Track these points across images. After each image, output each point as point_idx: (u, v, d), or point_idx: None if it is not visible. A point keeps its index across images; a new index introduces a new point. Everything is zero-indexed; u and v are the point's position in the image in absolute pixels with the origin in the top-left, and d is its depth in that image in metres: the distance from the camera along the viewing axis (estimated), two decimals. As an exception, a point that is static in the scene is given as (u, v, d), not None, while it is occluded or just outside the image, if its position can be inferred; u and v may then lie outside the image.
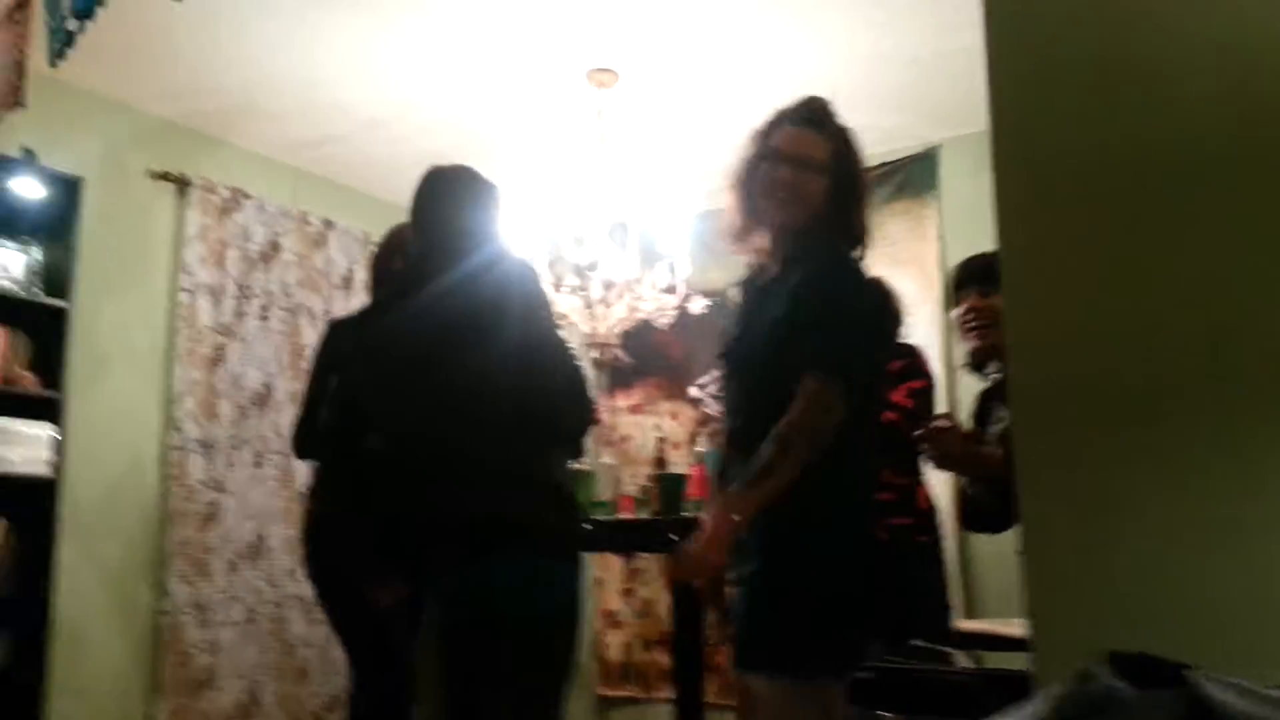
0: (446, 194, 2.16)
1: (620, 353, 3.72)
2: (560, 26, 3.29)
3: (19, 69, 2.32)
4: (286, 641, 4.00)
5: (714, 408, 2.37)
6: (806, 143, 1.90)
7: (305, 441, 2.77)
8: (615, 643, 4.52)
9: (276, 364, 4.11)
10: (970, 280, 2.27)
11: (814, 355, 1.76)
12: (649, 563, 4.41)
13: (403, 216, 2.23)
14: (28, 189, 3.36)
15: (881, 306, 1.92)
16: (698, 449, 3.46)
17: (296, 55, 3.49)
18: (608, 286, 3.49)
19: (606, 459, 3.71)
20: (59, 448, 3.28)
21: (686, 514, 2.86)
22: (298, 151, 4.27)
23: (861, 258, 1.93)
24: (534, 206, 3.47)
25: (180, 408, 3.80)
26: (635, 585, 4.52)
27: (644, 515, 3.11)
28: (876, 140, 2.04)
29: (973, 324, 2.23)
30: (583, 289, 3.47)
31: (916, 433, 2.18)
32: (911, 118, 3.72)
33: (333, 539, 2.04)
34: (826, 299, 1.81)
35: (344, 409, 2.15)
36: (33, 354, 3.32)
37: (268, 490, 4.02)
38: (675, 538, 2.29)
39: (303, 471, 3.99)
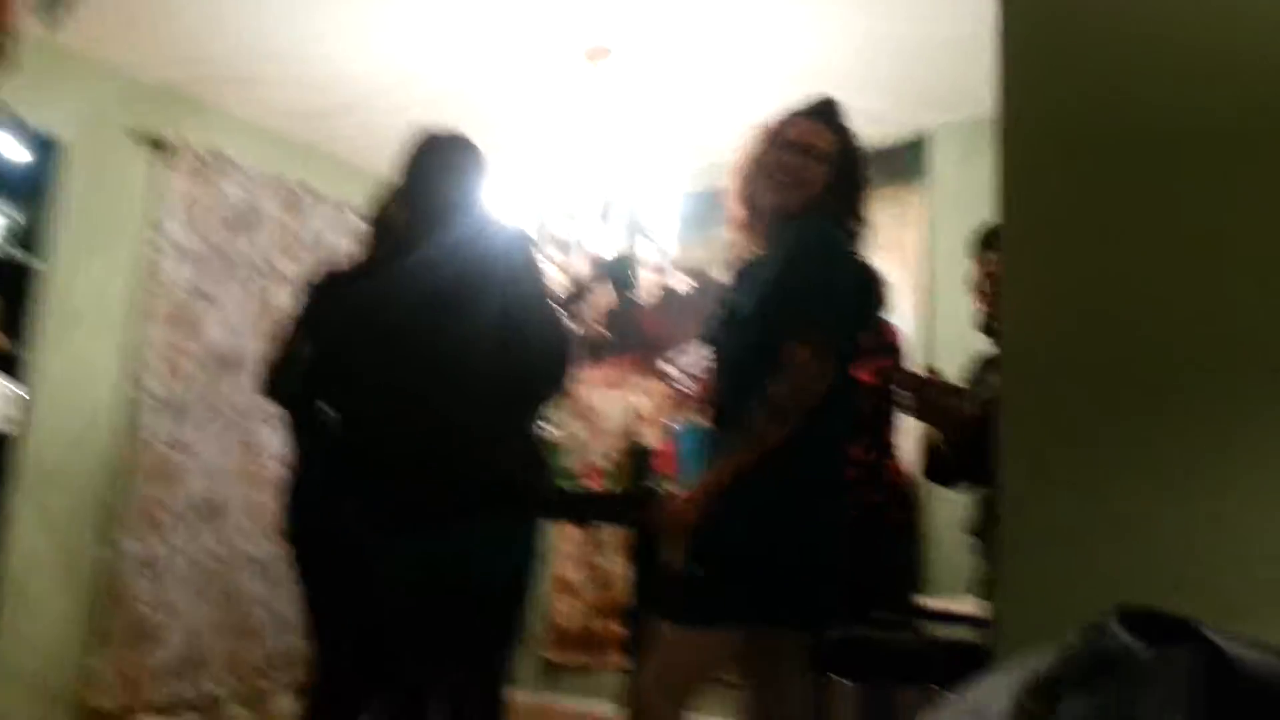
0: (438, 162, 2.15)
1: (600, 328, 3.71)
2: (556, 1, 3.26)
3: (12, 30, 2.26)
4: (236, 600, 3.98)
5: (685, 383, 2.38)
6: (812, 132, 1.94)
7: (278, 381, 2.69)
8: (569, 610, 4.51)
9: (249, 329, 4.07)
10: (994, 244, 2.25)
11: (803, 324, 1.78)
12: (610, 535, 4.40)
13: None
14: (9, 149, 3.30)
15: (865, 283, 1.94)
16: (668, 424, 3.46)
17: (290, 24, 3.43)
18: (593, 261, 3.48)
19: (576, 430, 3.70)
20: (26, 406, 3.23)
21: (651, 485, 2.88)
22: (283, 120, 4.20)
23: (853, 240, 1.95)
24: (525, 181, 3.45)
25: (147, 367, 3.75)
26: (594, 556, 4.52)
27: (610, 487, 3.11)
28: (865, 124, 2.06)
29: (991, 290, 2.21)
30: (567, 263, 3.46)
31: (898, 377, 2.20)
32: (903, 102, 3.71)
33: (316, 499, 2.03)
34: (814, 270, 1.83)
35: (324, 362, 2.13)
36: (5, 312, 3.27)
37: (230, 452, 3.98)
38: (636, 512, 2.31)
39: (269, 436, 3.96)
